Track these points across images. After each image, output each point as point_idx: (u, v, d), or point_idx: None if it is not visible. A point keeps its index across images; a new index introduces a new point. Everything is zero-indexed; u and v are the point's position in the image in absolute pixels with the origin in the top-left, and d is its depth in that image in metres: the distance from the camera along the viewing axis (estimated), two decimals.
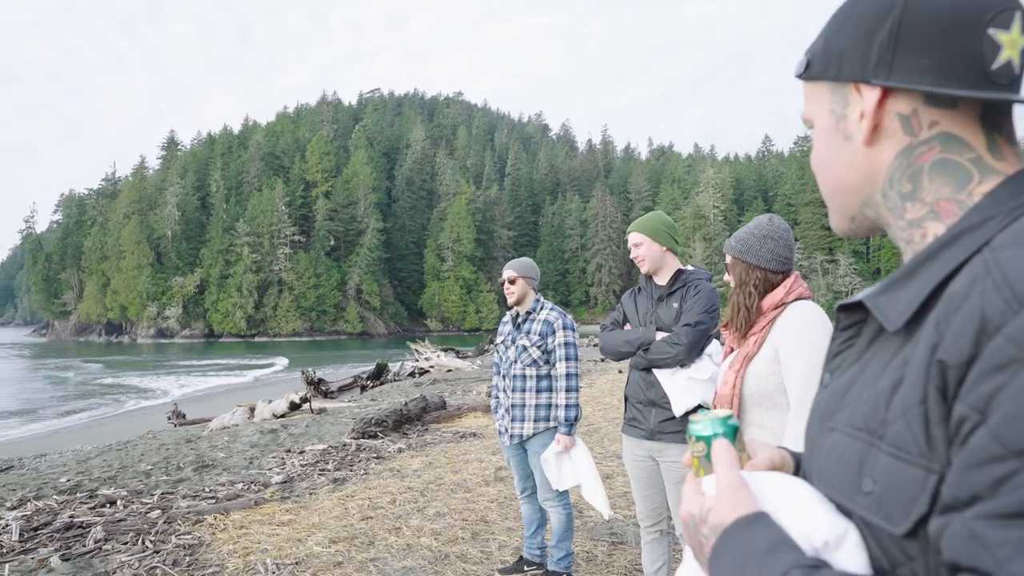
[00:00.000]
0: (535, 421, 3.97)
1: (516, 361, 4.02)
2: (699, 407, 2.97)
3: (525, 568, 4.19)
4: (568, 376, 3.91)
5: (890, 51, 0.74)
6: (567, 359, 3.92)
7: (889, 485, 0.67)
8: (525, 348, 4.00)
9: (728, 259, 2.58)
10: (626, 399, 3.38)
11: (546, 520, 4.29)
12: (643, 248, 3.26)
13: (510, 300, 4.10)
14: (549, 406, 3.96)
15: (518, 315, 4.14)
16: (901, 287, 0.74)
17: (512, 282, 4.08)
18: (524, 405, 3.99)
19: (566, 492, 4.00)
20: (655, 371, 3.14)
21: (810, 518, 0.75)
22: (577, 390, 3.94)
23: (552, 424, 3.95)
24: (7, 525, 5.50)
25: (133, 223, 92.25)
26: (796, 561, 0.70)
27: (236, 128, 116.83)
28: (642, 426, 3.24)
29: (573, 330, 4.02)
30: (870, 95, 0.76)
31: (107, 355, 59.63)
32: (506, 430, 4.08)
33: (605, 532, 4.96)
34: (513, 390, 4.02)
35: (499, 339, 4.25)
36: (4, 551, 4.99)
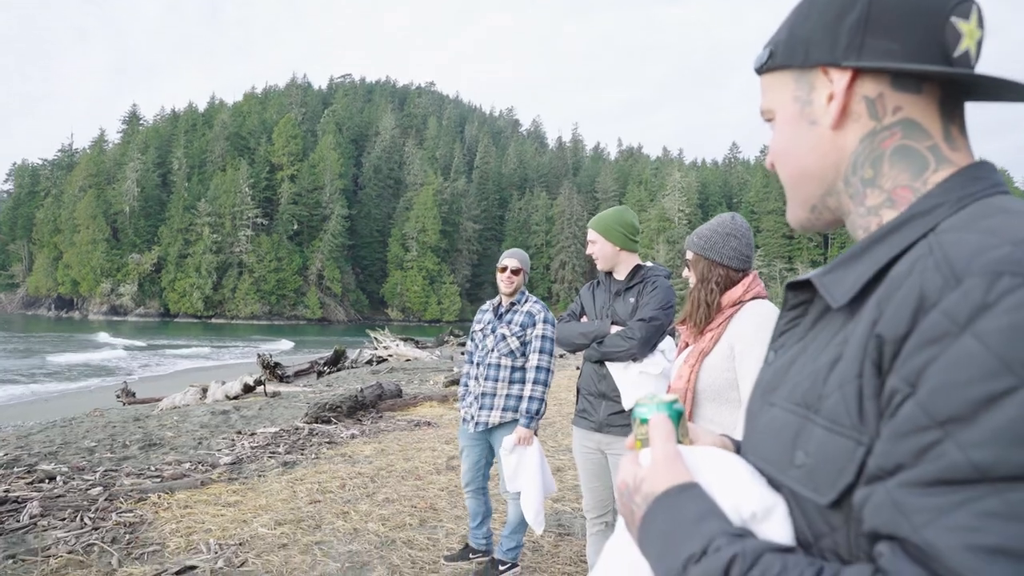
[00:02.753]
0: (503, 410, 3.97)
1: (493, 350, 4.01)
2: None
3: (470, 556, 4.21)
4: (539, 368, 3.91)
5: (859, 34, 0.75)
6: (541, 351, 3.92)
7: (820, 457, 0.69)
8: (504, 337, 4.00)
9: (689, 255, 2.59)
10: (578, 391, 3.39)
11: (491, 512, 4.33)
12: (597, 246, 3.29)
13: (507, 288, 4.07)
14: (519, 398, 3.95)
15: (500, 304, 4.13)
16: (848, 267, 0.75)
17: (516, 272, 4.07)
18: (495, 395, 3.98)
19: None
20: (608, 364, 3.15)
21: (740, 490, 0.76)
22: (546, 384, 3.93)
23: (517, 416, 3.95)
24: None
25: (89, 196, 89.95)
26: (723, 529, 0.71)
27: (202, 106, 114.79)
28: (592, 418, 3.26)
29: (553, 325, 4.00)
30: (840, 77, 0.77)
31: (56, 331, 58.10)
32: (472, 417, 4.07)
33: (553, 523, 4.98)
34: (486, 379, 4.00)
35: (477, 327, 4.22)
36: None
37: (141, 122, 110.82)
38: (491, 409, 3.99)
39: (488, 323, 4.14)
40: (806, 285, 0.83)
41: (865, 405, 0.65)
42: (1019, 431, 0.55)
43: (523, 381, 3.97)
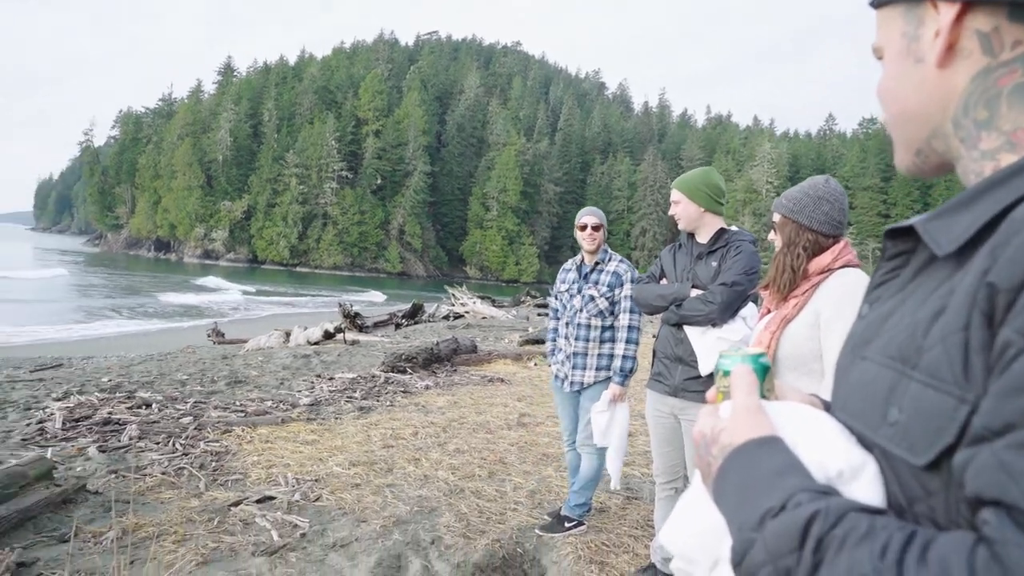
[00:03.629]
0: (596, 370, 3.96)
1: (581, 310, 3.97)
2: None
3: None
4: (630, 328, 3.88)
5: None
6: (631, 311, 3.88)
7: (916, 414, 0.64)
8: (592, 298, 3.95)
9: (777, 218, 2.49)
10: (654, 354, 3.37)
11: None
12: (680, 206, 3.21)
13: (590, 246, 4.00)
14: (611, 356, 3.93)
15: (583, 263, 4.09)
16: (958, 212, 0.69)
17: (596, 228, 4.00)
18: (587, 354, 3.96)
19: None
20: (686, 328, 3.12)
21: (827, 447, 0.73)
22: (637, 343, 3.90)
23: (608, 374, 3.94)
24: (52, 414, 5.77)
25: (186, 144, 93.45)
26: (805, 485, 0.68)
27: (292, 59, 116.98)
28: (667, 382, 3.24)
29: None
30: (947, 10, 0.71)
31: (156, 271, 61.21)
32: (566, 376, 4.07)
33: (621, 487, 5.01)
34: (576, 339, 3.98)
35: (562, 286, 4.17)
36: (48, 437, 5.24)
37: (235, 74, 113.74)
38: (584, 369, 3.98)
39: (573, 283, 4.09)
40: (908, 233, 0.77)
41: (971, 359, 0.60)
42: None
43: (613, 340, 3.95)
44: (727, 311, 2.97)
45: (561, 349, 4.15)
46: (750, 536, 0.68)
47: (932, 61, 0.73)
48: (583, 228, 4.03)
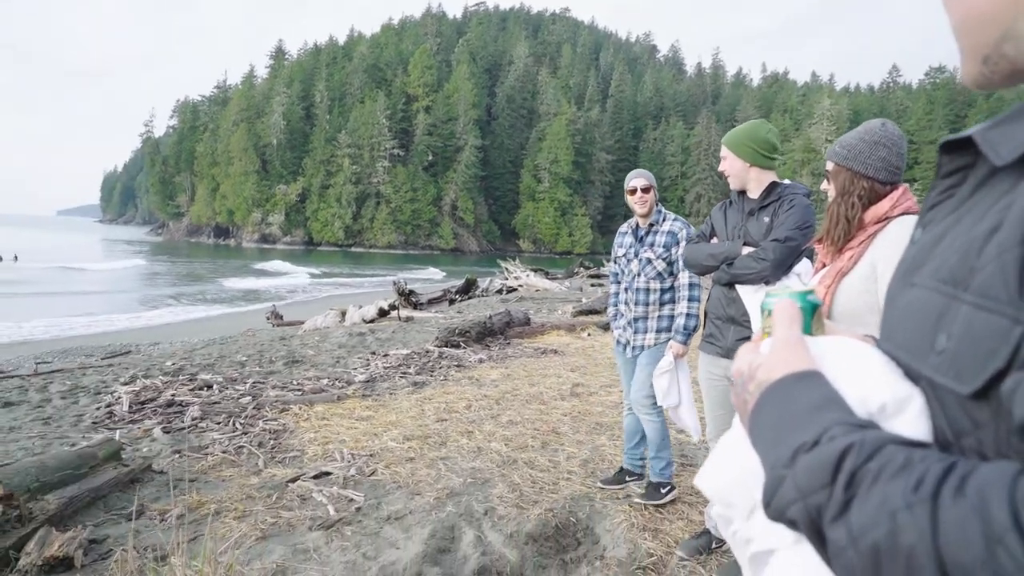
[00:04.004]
0: (657, 332, 3.91)
1: (640, 274, 3.92)
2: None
3: (627, 479, 4.23)
4: (690, 286, 3.82)
5: None
6: None
7: (967, 338, 0.59)
8: (650, 261, 3.90)
9: (830, 166, 2.35)
10: (705, 315, 3.30)
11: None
12: (727, 162, 3.12)
13: (642, 210, 3.95)
14: (671, 318, 3.89)
15: (638, 226, 4.01)
16: (1022, 119, 0.61)
17: (646, 191, 3.94)
18: (647, 318, 3.93)
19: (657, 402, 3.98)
20: (738, 287, 3.03)
21: (869, 381, 0.69)
22: (698, 300, 3.81)
23: (667, 337, 3.89)
24: (120, 397, 6.00)
25: (241, 130, 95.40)
26: (842, 419, 0.63)
27: (341, 39, 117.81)
28: (719, 343, 3.18)
29: None
30: None
31: (220, 257, 62.95)
32: (628, 342, 4.04)
33: (676, 453, 4.97)
34: (636, 303, 3.94)
35: (619, 251, 4.10)
36: (116, 419, 5.46)
37: (287, 57, 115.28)
38: (645, 332, 3.94)
39: (630, 247, 4.02)
40: (966, 145, 0.68)
41: None
42: None
43: (673, 301, 3.90)
44: (780, 268, 2.87)
45: (622, 315, 4.09)
46: (781, 473, 0.64)
47: None
48: (632, 192, 3.96)
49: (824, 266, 2.36)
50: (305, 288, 35.85)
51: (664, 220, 3.95)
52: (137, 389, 6.23)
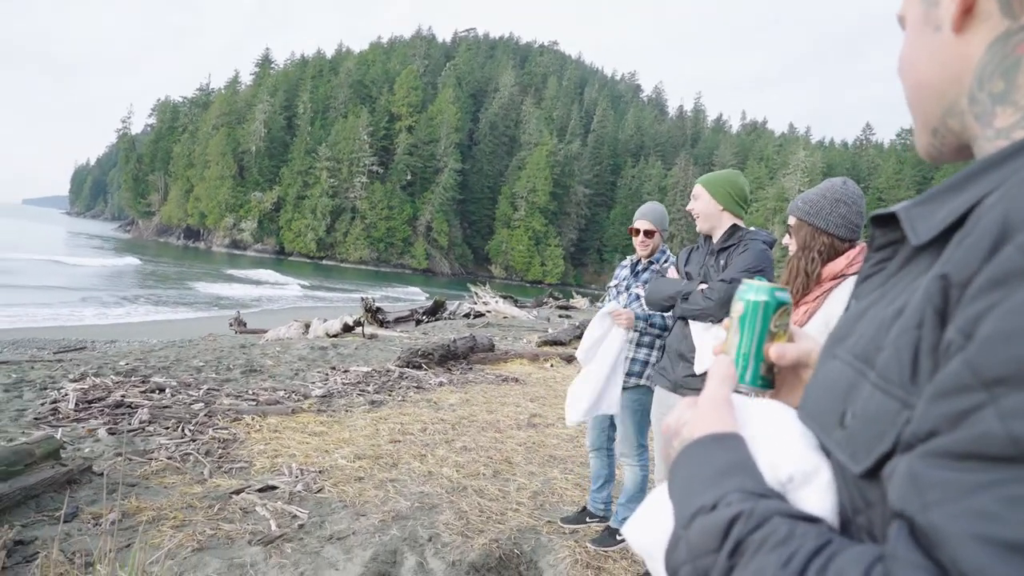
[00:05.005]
0: (628, 375, 3.71)
1: (626, 308, 3.76)
2: None
3: (587, 520, 4.13)
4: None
5: None
6: None
7: (862, 417, 0.59)
8: (638, 297, 3.77)
9: (792, 221, 2.41)
10: (663, 348, 3.32)
11: (613, 476, 4.18)
12: (700, 202, 3.14)
13: (644, 252, 3.81)
14: (646, 363, 3.71)
15: (638, 262, 3.90)
16: (945, 197, 0.61)
17: (649, 235, 3.78)
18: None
19: (645, 451, 3.83)
20: (690, 324, 3.07)
21: (783, 449, 0.69)
22: (664, 328, 3.59)
23: (643, 382, 3.70)
24: (66, 395, 5.85)
25: (221, 134, 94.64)
26: (742, 487, 0.63)
27: (329, 53, 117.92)
28: (669, 376, 3.20)
29: None
30: None
31: (186, 259, 62.00)
32: None
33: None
34: None
35: (612, 283, 4.01)
36: (60, 417, 5.31)
37: (272, 66, 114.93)
38: None
39: (623, 280, 3.92)
40: (894, 220, 0.68)
41: (920, 361, 0.54)
42: None
43: (652, 347, 3.72)
44: (724, 307, 2.88)
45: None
46: (679, 533, 0.64)
47: (949, 26, 0.65)
48: (636, 233, 3.83)
49: None
50: (272, 299, 35.39)
51: (666, 261, 3.83)
52: (86, 387, 6.07)
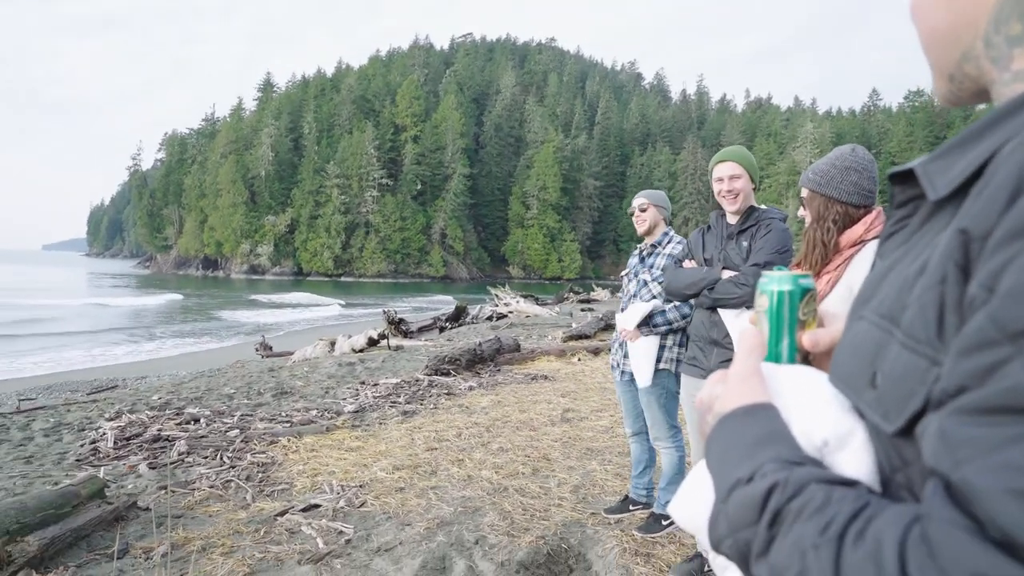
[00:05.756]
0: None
1: (636, 295, 3.80)
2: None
3: (631, 508, 4.12)
4: (678, 306, 3.65)
5: None
6: None
7: (892, 377, 0.58)
8: (646, 283, 3.77)
9: (805, 193, 2.40)
10: (687, 337, 3.30)
11: (654, 461, 4.17)
12: (741, 181, 3.09)
13: (640, 229, 3.86)
14: (663, 348, 3.70)
15: (644, 248, 3.92)
16: (962, 150, 0.59)
17: (643, 209, 3.84)
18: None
19: (678, 432, 3.84)
20: (720, 311, 3.05)
21: (816, 415, 0.68)
22: (684, 317, 3.62)
23: (664, 366, 3.71)
24: (104, 434, 5.92)
25: (230, 162, 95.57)
26: (777, 456, 0.62)
27: (330, 71, 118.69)
28: (702, 365, 3.17)
29: None
30: None
31: (206, 289, 62.51)
32: (618, 364, 3.94)
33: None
34: None
35: (624, 272, 4.05)
36: (100, 456, 5.37)
37: (275, 89, 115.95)
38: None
39: (633, 268, 3.94)
40: (913, 176, 0.67)
41: (946, 318, 0.53)
42: None
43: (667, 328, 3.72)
44: None
45: (616, 337, 3.97)
46: (719, 508, 0.64)
47: None
48: (632, 213, 3.92)
49: None
50: (295, 319, 35.55)
51: (669, 242, 3.84)
52: (122, 424, 6.15)
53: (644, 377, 3.66)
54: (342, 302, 46.87)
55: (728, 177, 3.10)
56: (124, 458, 5.28)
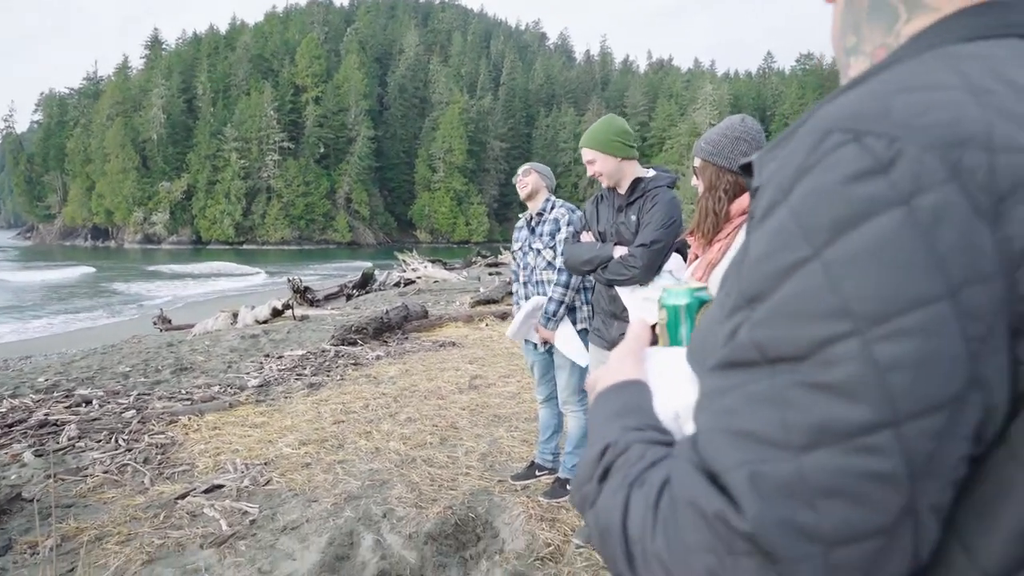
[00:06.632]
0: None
1: (535, 267, 3.91)
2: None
3: (537, 473, 4.21)
4: (559, 270, 3.76)
5: None
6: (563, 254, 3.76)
7: (706, 349, 0.64)
8: (539, 252, 3.88)
9: (697, 162, 2.45)
10: (592, 308, 3.37)
11: (561, 427, 4.27)
12: (597, 164, 3.15)
13: (522, 194, 3.98)
14: (573, 309, 3.83)
15: (531, 218, 4.01)
16: (781, 149, 0.63)
17: (526, 174, 3.97)
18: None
19: (586, 397, 3.83)
20: (616, 287, 3.12)
21: (671, 390, 0.73)
22: (566, 287, 3.75)
23: (581, 326, 3.82)
24: None
25: (117, 125, 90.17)
26: (626, 424, 0.68)
27: (223, 28, 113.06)
28: (605, 337, 3.25)
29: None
30: None
31: (95, 260, 59.17)
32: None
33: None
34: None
35: (516, 245, 4.11)
36: None
37: (164, 47, 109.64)
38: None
39: (526, 240, 4.02)
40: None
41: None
42: (798, 307, 0.50)
43: (579, 295, 3.87)
44: (649, 271, 2.95)
45: (517, 303, 4.08)
46: (577, 472, 0.70)
47: None
48: (517, 179, 4.03)
49: (696, 257, 2.45)
50: (191, 287, 34.11)
51: (552, 208, 3.94)
52: (3, 410, 5.80)
53: (582, 355, 3.74)
54: (272, 269, 45.27)
55: (587, 162, 3.19)
56: (6, 447, 4.98)
